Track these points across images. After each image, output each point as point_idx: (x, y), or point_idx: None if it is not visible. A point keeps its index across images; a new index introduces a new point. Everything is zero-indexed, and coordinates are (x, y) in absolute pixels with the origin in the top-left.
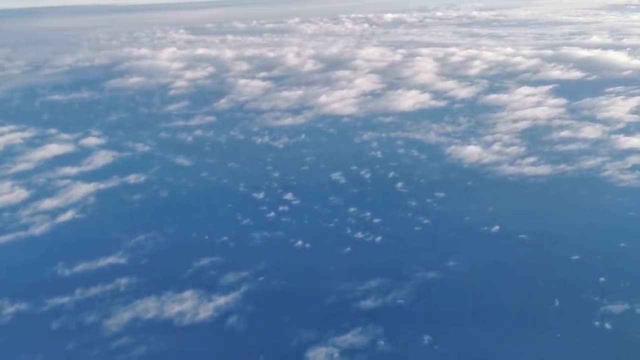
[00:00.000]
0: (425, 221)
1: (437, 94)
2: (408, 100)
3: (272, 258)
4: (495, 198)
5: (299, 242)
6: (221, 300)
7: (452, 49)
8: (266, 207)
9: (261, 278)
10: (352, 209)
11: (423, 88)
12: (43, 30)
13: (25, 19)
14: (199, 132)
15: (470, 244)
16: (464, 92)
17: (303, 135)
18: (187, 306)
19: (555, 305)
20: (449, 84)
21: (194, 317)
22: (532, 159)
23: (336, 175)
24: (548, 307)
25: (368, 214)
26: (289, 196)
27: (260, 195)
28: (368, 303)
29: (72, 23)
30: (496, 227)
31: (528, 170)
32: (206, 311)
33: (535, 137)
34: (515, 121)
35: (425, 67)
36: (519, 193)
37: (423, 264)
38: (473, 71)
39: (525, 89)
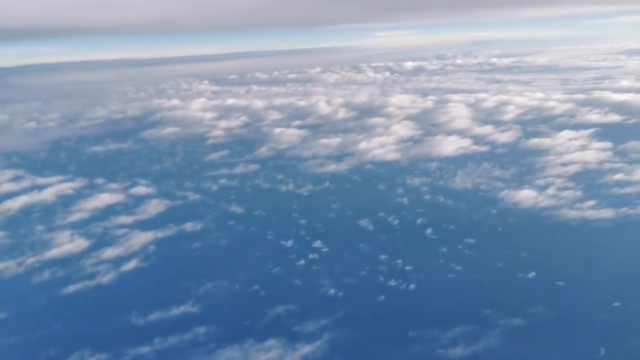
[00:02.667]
0: (458, 268)
1: (477, 139)
2: (449, 145)
3: (348, 306)
4: (530, 243)
5: (332, 290)
6: (307, 349)
7: (482, 95)
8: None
9: (342, 326)
10: (383, 257)
11: (461, 133)
12: (69, 84)
13: (50, 73)
14: (245, 180)
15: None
16: (504, 136)
17: (327, 183)
18: (272, 355)
19: (601, 354)
20: (487, 129)
21: None
22: (591, 203)
23: (364, 222)
24: (594, 356)
25: (399, 261)
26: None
27: (324, 248)
28: (457, 351)
29: (96, 77)
30: (532, 274)
31: (590, 214)
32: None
33: (588, 180)
34: (564, 165)
35: (459, 113)
36: (567, 237)
37: (504, 310)
38: (508, 116)
39: (567, 133)
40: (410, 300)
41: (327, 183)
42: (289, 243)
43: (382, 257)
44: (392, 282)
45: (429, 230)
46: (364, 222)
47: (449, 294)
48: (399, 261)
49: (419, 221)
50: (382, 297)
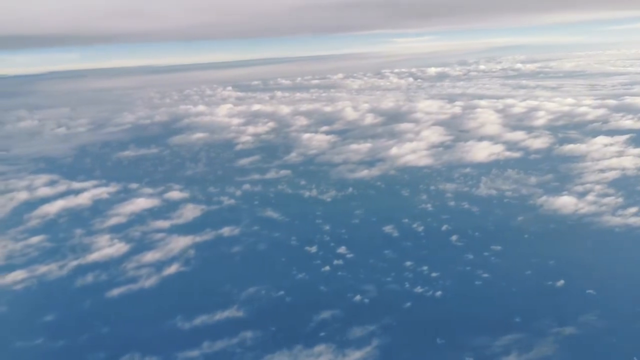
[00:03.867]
0: (485, 275)
1: (510, 145)
2: (482, 151)
3: (392, 311)
4: (558, 251)
5: (357, 297)
6: (357, 355)
7: (510, 101)
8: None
9: (389, 333)
10: (408, 263)
11: (493, 139)
12: (94, 90)
13: (75, 80)
14: (278, 185)
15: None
16: (537, 142)
17: (363, 188)
18: None
19: None
20: (518, 135)
21: None
22: (634, 209)
23: (388, 228)
24: None
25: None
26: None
27: (344, 250)
28: (511, 359)
29: (120, 84)
30: (561, 282)
31: (633, 220)
32: None
33: (628, 187)
34: (602, 171)
35: (488, 119)
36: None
37: (555, 319)
38: (539, 122)
39: (602, 139)
40: (437, 307)
41: (363, 188)
42: (342, 249)
43: (408, 263)
44: (419, 289)
45: (459, 236)
46: (416, 226)
47: (476, 301)
48: (425, 267)
49: (465, 227)
50: (408, 304)
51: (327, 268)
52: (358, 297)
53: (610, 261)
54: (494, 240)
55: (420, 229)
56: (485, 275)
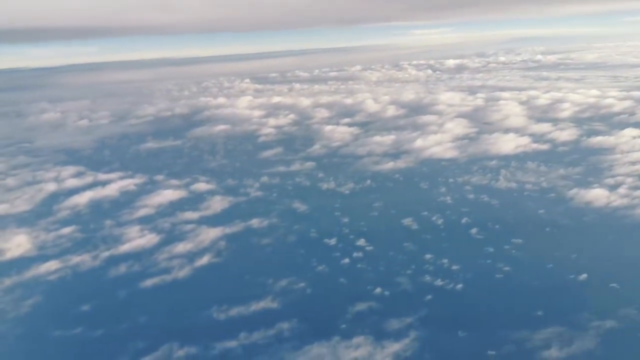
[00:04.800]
0: (506, 268)
1: (536, 137)
2: (508, 143)
3: (429, 304)
4: (580, 245)
5: (378, 289)
6: (396, 347)
7: (533, 93)
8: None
9: (427, 325)
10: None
11: (518, 131)
12: (112, 83)
13: (93, 72)
14: (304, 177)
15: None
16: (564, 134)
17: (389, 181)
18: (362, 352)
19: None
20: (544, 127)
21: None
22: None
23: (407, 221)
24: None
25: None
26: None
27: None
28: (553, 352)
29: (138, 76)
30: (584, 275)
31: None
32: (385, 357)
33: None
34: (632, 163)
35: (512, 111)
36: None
37: (595, 313)
38: (564, 114)
39: (630, 131)
40: (459, 299)
41: (390, 181)
42: (361, 242)
43: (428, 256)
44: (439, 282)
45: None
46: (465, 222)
47: (498, 294)
48: (445, 260)
49: (490, 220)
50: (429, 297)
51: (359, 262)
52: (378, 290)
53: (635, 255)
54: (523, 232)
55: (441, 221)
56: (507, 268)
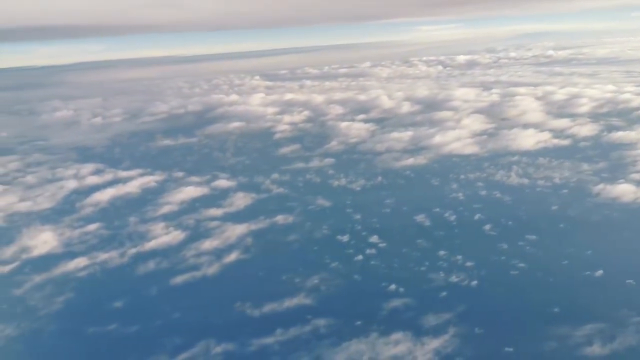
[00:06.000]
0: (521, 264)
1: (556, 133)
2: (528, 139)
3: (466, 300)
4: (595, 241)
5: (392, 286)
6: (436, 343)
7: (549, 88)
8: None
9: (466, 321)
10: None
11: (537, 127)
12: (122, 81)
13: (102, 70)
14: (324, 173)
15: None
16: (584, 130)
17: (410, 176)
18: (402, 349)
19: None
20: (563, 123)
21: None
22: None
23: (420, 218)
24: None
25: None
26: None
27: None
28: (595, 349)
29: (147, 74)
30: (599, 272)
31: None
32: (425, 354)
33: None
34: None
35: (530, 106)
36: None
37: (634, 309)
38: (582, 109)
39: None
40: (474, 296)
41: (412, 176)
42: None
43: (442, 252)
44: (454, 278)
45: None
46: (470, 214)
47: (514, 291)
48: (459, 257)
49: (523, 216)
50: (444, 293)
51: (394, 258)
52: (392, 287)
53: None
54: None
55: (477, 216)
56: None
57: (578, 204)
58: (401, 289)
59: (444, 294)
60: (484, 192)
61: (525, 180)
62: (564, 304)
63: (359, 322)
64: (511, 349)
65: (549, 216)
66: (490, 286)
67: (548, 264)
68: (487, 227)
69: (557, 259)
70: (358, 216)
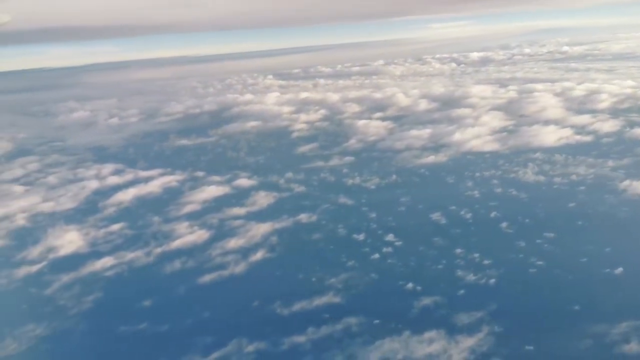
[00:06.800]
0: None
1: (578, 129)
2: (549, 135)
3: (500, 297)
4: (614, 238)
5: (409, 285)
6: (470, 342)
7: (567, 84)
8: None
9: (500, 319)
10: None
11: (558, 123)
12: (136, 81)
13: (115, 71)
14: (344, 171)
15: None
16: (606, 126)
17: (428, 174)
18: (436, 347)
19: None
20: (585, 119)
21: (450, 359)
22: None
23: (436, 216)
24: None
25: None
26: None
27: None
28: (633, 347)
29: (160, 74)
30: (619, 269)
31: None
32: (460, 353)
33: None
34: None
35: (549, 103)
36: None
37: None
38: (603, 105)
39: None
40: (492, 294)
41: (434, 174)
42: (436, 240)
43: (458, 251)
44: (471, 277)
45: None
46: (493, 212)
47: (534, 289)
48: (476, 255)
49: (569, 209)
50: (462, 292)
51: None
52: (410, 285)
53: None
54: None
55: (493, 214)
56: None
57: (605, 201)
58: (420, 287)
59: (462, 292)
60: (509, 190)
61: (547, 178)
62: (583, 301)
63: (390, 320)
64: (531, 347)
65: (572, 213)
66: (509, 284)
67: (566, 262)
68: (504, 225)
69: (575, 256)
70: (380, 215)
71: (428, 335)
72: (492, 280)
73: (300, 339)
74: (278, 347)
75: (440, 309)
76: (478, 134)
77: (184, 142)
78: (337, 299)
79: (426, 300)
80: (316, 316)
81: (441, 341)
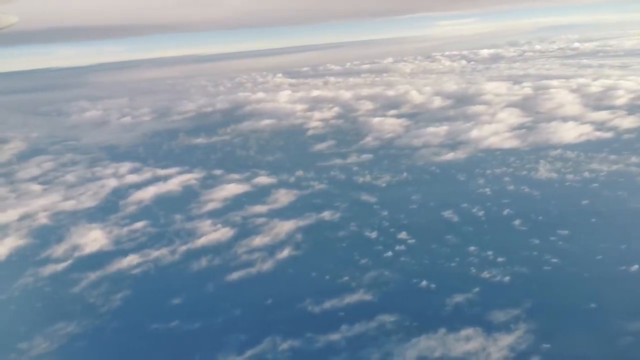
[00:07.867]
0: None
1: (597, 125)
2: (569, 132)
3: (534, 294)
4: (629, 235)
5: (424, 282)
6: (509, 339)
7: (583, 80)
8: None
9: (536, 316)
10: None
11: (576, 119)
12: (145, 80)
13: (124, 71)
14: (364, 169)
15: None
16: (626, 122)
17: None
18: (475, 345)
19: None
20: (603, 115)
21: (489, 357)
22: None
23: (448, 214)
24: None
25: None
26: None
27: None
28: None
29: (169, 73)
30: (635, 266)
31: None
32: (499, 351)
33: None
34: None
35: (565, 99)
36: None
37: None
38: (620, 101)
39: None
40: (507, 292)
41: (454, 171)
42: (449, 237)
43: (472, 248)
44: (485, 274)
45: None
46: (511, 210)
47: (549, 286)
48: (490, 252)
49: (584, 204)
50: (476, 289)
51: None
52: (424, 283)
53: None
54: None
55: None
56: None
57: (624, 198)
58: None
59: (477, 289)
60: (530, 187)
61: (572, 175)
62: (600, 299)
63: (425, 318)
64: (548, 345)
65: (586, 210)
66: (524, 282)
67: (581, 260)
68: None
69: (590, 254)
70: (402, 213)
71: (465, 332)
72: (507, 278)
73: (334, 336)
74: (312, 345)
75: (475, 306)
76: (496, 131)
77: (199, 140)
78: (368, 297)
79: (459, 297)
80: (348, 314)
81: (479, 338)
